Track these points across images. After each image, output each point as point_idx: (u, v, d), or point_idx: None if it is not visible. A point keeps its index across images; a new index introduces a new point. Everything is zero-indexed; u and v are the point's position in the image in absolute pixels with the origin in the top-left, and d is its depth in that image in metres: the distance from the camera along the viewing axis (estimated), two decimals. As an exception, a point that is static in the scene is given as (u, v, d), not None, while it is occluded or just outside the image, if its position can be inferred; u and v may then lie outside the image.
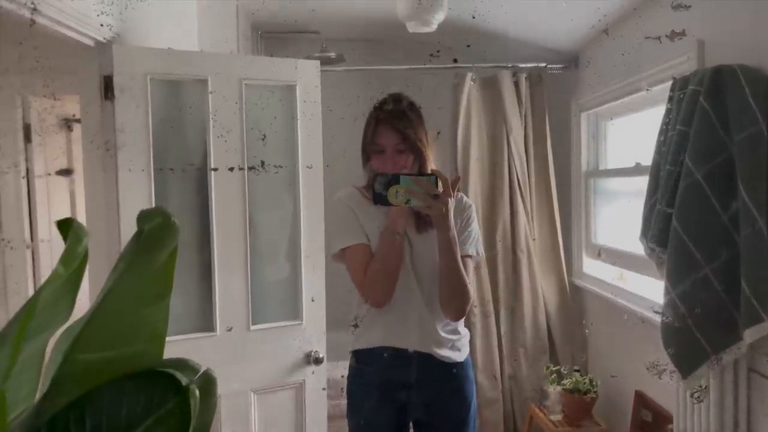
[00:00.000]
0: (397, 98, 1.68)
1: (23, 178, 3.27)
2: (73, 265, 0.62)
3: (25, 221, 3.22)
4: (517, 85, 3.08)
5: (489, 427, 2.96)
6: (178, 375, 0.71)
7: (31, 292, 2.93)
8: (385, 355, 1.71)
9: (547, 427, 2.58)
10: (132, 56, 1.98)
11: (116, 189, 1.96)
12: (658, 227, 1.78)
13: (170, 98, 2.11)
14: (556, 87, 3.16)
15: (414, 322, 1.66)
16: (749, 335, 1.52)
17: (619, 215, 2.88)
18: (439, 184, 1.47)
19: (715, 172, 1.60)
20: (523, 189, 3.07)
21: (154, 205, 2.00)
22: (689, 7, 1.79)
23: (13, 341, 0.59)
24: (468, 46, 3.18)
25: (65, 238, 0.63)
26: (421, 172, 1.59)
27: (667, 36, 1.81)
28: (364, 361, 1.79)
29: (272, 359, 2.23)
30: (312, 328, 2.26)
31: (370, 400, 1.77)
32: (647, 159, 2.29)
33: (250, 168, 2.13)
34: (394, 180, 1.49)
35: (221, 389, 2.19)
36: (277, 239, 2.30)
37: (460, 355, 1.70)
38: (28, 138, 3.32)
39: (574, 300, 3.11)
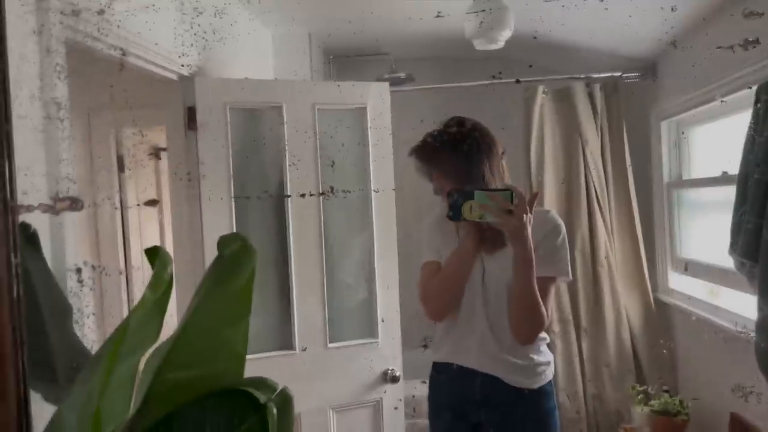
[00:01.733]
0: (450, 124, 1.67)
1: (116, 208, 3.50)
2: (159, 290, 0.67)
3: (120, 249, 3.44)
4: (591, 95, 3.01)
5: (572, 448, 2.87)
6: (257, 393, 0.75)
7: (125, 316, 3.12)
8: (455, 371, 1.70)
9: (636, 449, 2.47)
10: (212, 87, 2.09)
11: (200, 216, 2.07)
12: (747, 240, 1.68)
13: (248, 126, 2.21)
14: (632, 96, 3.06)
15: (476, 343, 1.64)
16: None
17: (705, 227, 2.74)
18: (515, 199, 1.44)
19: (809, 179, 1.50)
20: (601, 202, 2.98)
21: (234, 230, 2.09)
22: (762, 14, 1.70)
23: (107, 362, 0.64)
24: (530, 66, 3.15)
25: (153, 265, 0.67)
26: (497, 187, 1.56)
27: (740, 45, 1.72)
28: (437, 375, 1.78)
29: (349, 377, 2.27)
30: (387, 347, 2.29)
31: (444, 416, 1.76)
32: (734, 168, 2.18)
33: (321, 193, 2.19)
34: (469, 195, 1.47)
35: (300, 406, 2.25)
36: (352, 261, 2.35)
37: (532, 382, 1.63)
38: (121, 169, 3.56)
39: (660, 317, 2.96)
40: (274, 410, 0.73)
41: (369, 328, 2.32)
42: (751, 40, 1.70)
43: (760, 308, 1.62)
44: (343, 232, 2.29)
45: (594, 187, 2.97)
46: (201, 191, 2.06)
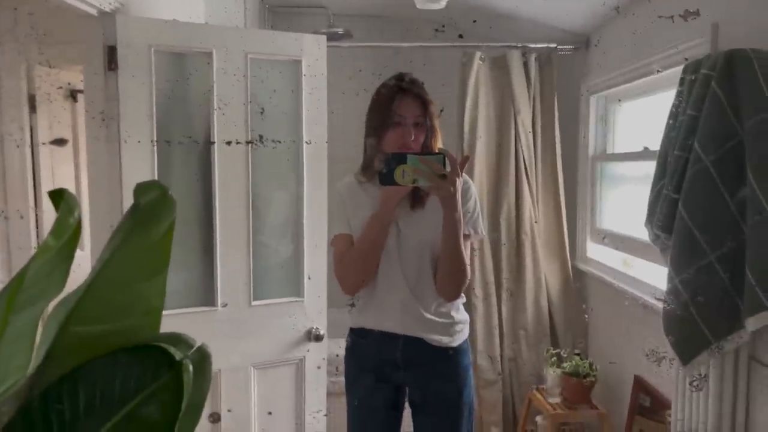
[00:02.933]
0: (410, 76, 1.67)
1: (18, 147, 3.26)
2: (64, 237, 0.61)
3: (29, 191, 3.22)
4: (526, 65, 3.03)
5: (488, 407, 2.97)
6: (172, 350, 0.71)
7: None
8: (377, 336, 1.72)
9: (546, 409, 2.59)
10: (136, 27, 1.96)
11: (119, 161, 1.95)
12: (664, 213, 1.76)
13: (174, 71, 2.09)
14: (565, 68, 3.11)
15: (398, 307, 1.66)
16: (752, 323, 1.50)
17: (625, 200, 2.86)
18: (447, 163, 1.44)
19: (725, 158, 1.58)
20: (529, 171, 3.04)
21: (156, 178, 1.99)
22: (698, 14, 1.75)
23: (0, 313, 0.58)
24: (474, 21, 3.13)
25: (57, 209, 0.62)
26: (429, 151, 1.55)
27: (680, 15, 1.76)
28: (358, 341, 1.80)
29: (273, 335, 2.24)
30: (312, 306, 2.27)
31: (364, 380, 1.79)
32: (655, 144, 2.27)
33: (248, 142, 2.12)
34: (401, 159, 1.46)
35: (221, 364, 2.21)
36: (279, 216, 2.30)
37: (452, 340, 1.68)
38: (32, 109, 3.31)
39: (577, 284, 3.09)
40: (190, 367, 0.69)
41: (295, 286, 2.29)
42: (691, 11, 1.75)
43: (670, 278, 1.71)
44: (271, 184, 2.22)
45: (523, 156, 3.03)
46: (120, 134, 1.94)
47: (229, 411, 2.19)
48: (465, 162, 1.50)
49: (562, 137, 3.06)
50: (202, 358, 0.77)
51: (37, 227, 3.25)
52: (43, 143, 3.13)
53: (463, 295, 1.71)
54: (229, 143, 2.10)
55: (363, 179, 1.72)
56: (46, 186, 3.33)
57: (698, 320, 1.62)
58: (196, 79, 2.10)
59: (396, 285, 1.66)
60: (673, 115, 1.83)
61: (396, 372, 1.71)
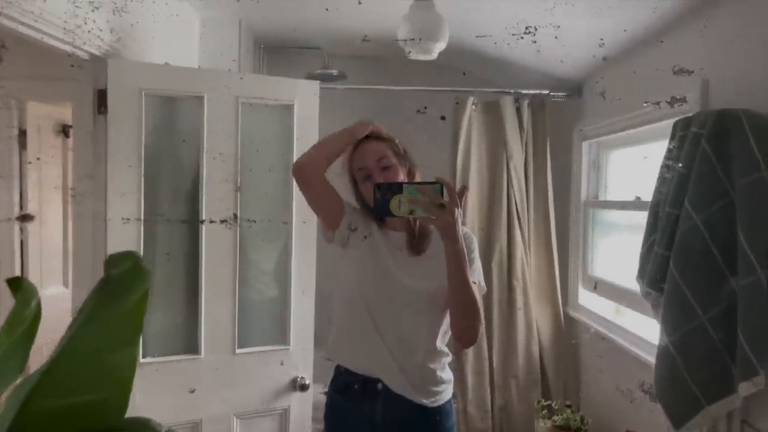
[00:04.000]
0: (365, 124, 1.64)
1: (17, 179, 3.23)
2: (18, 330, 0.58)
3: (16, 237, 3.20)
4: (519, 111, 3.05)
5: (477, 458, 2.90)
6: (136, 439, 0.67)
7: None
8: (357, 389, 1.64)
9: (536, 462, 2.53)
10: (127, 71, 1.95)
11: (104, 204, 1.93)
12: (655, 270, 1.74)
13: (165, 114, 2.08)
14: (558, 115, 3.13)
15: (383, 355, 1.59)
16: (744, 388, 1.47)
17: (617, 248, 2.84)
18: (445, 193, 1.36)
19: (715, 217, 1.56)
20: (521, 216, 3.03)
21: (142, 215, 1.96)
22: (691, 72, 1.76)
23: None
24: (464, 74, 3.17)
25: (14, 297, 0.59)
26: (426, 180, 1.44)
27: (667, 102, 1.77)
28: (336, 398, 1.71)
29: (257, 384, 2.19)
30: (298, 354, 2.22)
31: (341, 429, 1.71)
32: (647, 194, 2.26)
33: (237, 189, 2.10)
34: (397, 189, 1.39)
35: (203, 413, 2.14)
36: (268, 263, 2.26)
37: (435, 401, 1.60)
38: (23, 146, 3.29)
39: (569, 332, 3.05)
40: (154, 459, 0.65)
41: (281, 334, 2.24)
42: (678, 97, 1.75)
43: (662, 339, 1.68)
44: (260, 233, 2.20)
45: (515, 201, 3.02)
46: (108, 175, 1.92)
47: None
48: (463, 191, 1.41)
49: (554, 183, 3.06)
50: (169, 443, 0.73)
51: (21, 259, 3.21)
52: (9, 219, 3.13)
53: (449, 352, 1.65)
54: (216, 222, 2.09)
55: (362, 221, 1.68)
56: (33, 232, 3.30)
57: (690, 383, 1.58)
58: (186, 123, 2.09)
59: (383, 332, 1.59)
60: (664, 169, 1.82)
61: (372, 428, 1.63)
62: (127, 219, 1.96)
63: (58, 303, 3.32)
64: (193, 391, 2.06)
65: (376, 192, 1.42)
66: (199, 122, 2.04)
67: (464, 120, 3.01)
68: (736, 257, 1.52)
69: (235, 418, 2.16)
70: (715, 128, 1.57)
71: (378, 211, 1.43)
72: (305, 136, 2.21)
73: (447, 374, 1.65)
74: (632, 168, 2.73)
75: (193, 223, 2.08)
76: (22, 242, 3.27)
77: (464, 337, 1.54)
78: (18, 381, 0.71)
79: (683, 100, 1.74)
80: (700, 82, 1.87)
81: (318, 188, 1.63)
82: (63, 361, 0.75)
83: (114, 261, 0.78)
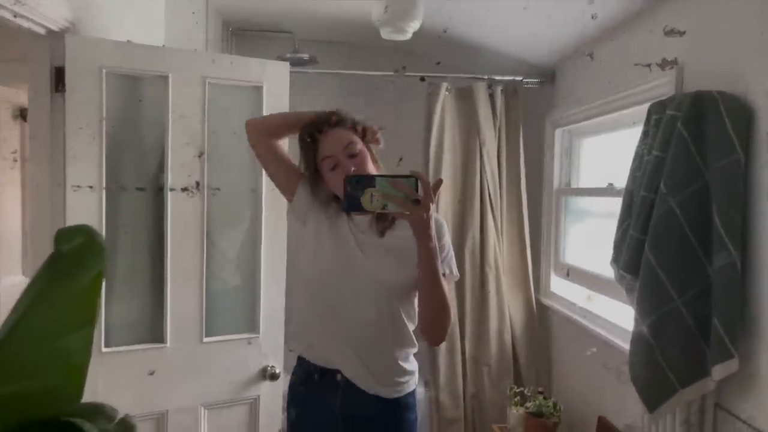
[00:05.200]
0: (324, 113, 1.58)
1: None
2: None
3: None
4: (492, 97, 3.02)
5: (449, 446, 2.89)
6: (88, 426, 0.62)
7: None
8: (317, 380, 1.59)
9: (508, 449, 2.52)
10: (87, 47, 1.86)
11: (62, 179, 1.83)
12: (630, 254, 1.73)
13: (127, 94, 2.00)
14: (531, 101, 3.11)
15: (343, 346, 1.54)
16: (718, 372, 1.47)
17: (589, 235, 2.84)
18: (420, 187, 1.30)
19: (691, 200, 1.55)
20: (494, 203, 3.01)
21: (103, 199, 1.88)
22: (683, 33, 1.74)
23: None
24: (438, 63, 3.14)
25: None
26: (400, 174, 1.37)
27: (657, 64, 1.75)
28: (297, 389, 1.67)
29: (225, 373, 2.12)
30: (268, 343, 2.17)
31: (303, 420, 1.66)
32: (620, 180, 2.26)
33: (202, 187, 2.02)
34: (369, 183, 1.32)
35: (169, 404, 2.08)
36: (236, 249, 2.20)
37: (398, 392, 1.56)
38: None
39: (541, 319, 3.05)
40: (108, 448, 0.60)
41: (250, 322, 2.18)
42: (669, 59, 1.73)
43: (636, 323, 1.67)
44: (228, 214, 2.13)
45: (488, 187, 3.00)
46: (66, 159, 1.83)
47: (175, 456, 2.05)
48: (438, 185, 1.35)
49: (527, 170, 3.05)
50: (126, 430, 0.68)
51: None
52: None
53: (415, 343, 1.60)
54: (184, 190, 2.00)
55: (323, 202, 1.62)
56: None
57: (664, 366, 1.58)
58: (150, 104, 2.00)
59: (342, 320, 1.54)
60: (639, 154, 1.81)
61: (335, 422, 1.58)
62: (78, 186, 1.87)
63: (17, 292, 3.21)
64: (152, 373, 1.99)
65: (347, 185, 1.34)
66: (164, 103, 1.97)
67: (437, 106, 2.98)
68: (711, 240, 1.52)
69: (203, 408, 2.10)
70: (691, 110, 1.56)
71: (348, 206, 1.35)
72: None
73: (411, 365, 1.60)
74: (605, 155, 2.74)
75: (156, 193, 2.00)
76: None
77: (432, 335, 1.50)
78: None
79: (674, 62, 1.72)
80: (674, 65, 1.87)
81: (262, 149, 1.67)
82: (8, 344, 0.69)
83: (65, 235, 0.72)
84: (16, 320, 0.70)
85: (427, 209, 1.30)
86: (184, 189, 2.02)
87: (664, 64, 1.71)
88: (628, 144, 2.05)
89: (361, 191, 1.32)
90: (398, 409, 1.56)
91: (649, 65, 1.75)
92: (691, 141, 1.55)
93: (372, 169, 1.54)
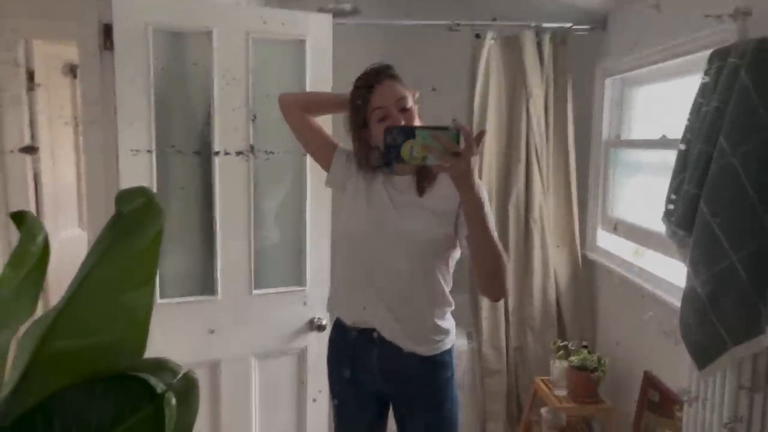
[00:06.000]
0: (381, 64, 1.57)
1: (27, 126, 3.19)
2: (25, 265, 0.54)
3: (30, 182, 3.18)
4: (540, 46, 2.92)
5: (492, 397, 2.93)
6: (153, 381, 0.65)
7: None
8: (354, 337, 1.63)
9: (551, 401, 2.54)
10: (133, 3, 1.87)
11: (115, 139, 1.88)
12: (684, 209, 1.68)
13: (173, 51, 2.01)
14: (581, 50, 2.99)
15: (378, 306, 1.56)
16: (774, 330, 1.44)
17: (639, 189, 2.77)
18: (461, 139, 1.25)
19: (752, 153, 1.48)
20: (540, 157, 2.94)
21: (154, 158, 1.92)
22: None
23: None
24: (494, 19, 3.02)
25: (20, 232, 0.55)
26: (441, 125, 1.32)
27: (730, 15, 1.64)
28: (337, 343, 1.72)
29: (274, 325, 2.19)
30: (315, 295, 2.21)
31: (343, 382, 1.71)
32: (673, 132, 2.17)
33: (252, 118, 2.03)
34: (409, 134, 1.29)
35: (222, 353, 2.16)
36: (282, 204, 2.22)
37: (433, 350, 1.57)
38: (31, 86, 3.23)
39: (587, 274, 3.02)
40: (173, 400, 0.63)
41: (297, 275, 2.23)
42: (743, 10, 1.63)
43: (689, 279, 1.64)
44: (274, 170, 2.15)
45: (534, 141, 2.93)
46: (118, 116, 1.87)
47: (233, 410, 2.15)
48: (481, 137, 1.29)
49: (575, 121, 2.96)
50: (189, 384, 0.71)
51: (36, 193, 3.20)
52: (11, 151, 3.14)
53: (452, 300, 1.61)
54: (229, 154, 2.03)
55: (360, 168, 1.64)
56: (48, 164, 3.28)
57: (717, 324, 1.55)
58: (195, 60, 2.01)
59: (378, 280, 1.55)
60: (697, 105, 1.73)
61: (373, 379, 1.63)
62: (137, 150, 1.92)
63: (75, 245, 3.34)
64: (209, 330, 2.07)
65: (387, 136, 1.31)
66: (209, 60, 1.97)
67: (483, 55, 2.89)
68: (771, 195, 1.46)
69: (253, 357, 2.18)
70: (756, 58, 1.48)
71: (388, 158, 1.32)
72: (319, 73, 2.13)
73: (448, 323, 1.61)
74: (658, 105, 2.63)
75: (205, 155, 2.03)
76: (36, 187, 3.25)
77: (492, 289, 1.44)
78: (32, 320, 0.68)
79: (748, 13, 1.62)
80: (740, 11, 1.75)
81: (295, 122, 1.72)
82: (76, 301, 0.72)
83: (125, 197, 0.74)
84: (81, 279, 0.73)
85: (468, 162, 1.25)
86: (233, 152, 2.04)
87: (736, 15, 1.60)
88: (684, 94, 1.96)
89: (402, 143, 1.29)
90: (434, 366, 1.59)
91: (720, 16, 1.65)
92: (754, 91, 1.47)
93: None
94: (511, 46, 2.94)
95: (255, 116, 2.06)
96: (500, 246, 1.37)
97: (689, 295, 1.62)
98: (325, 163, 1.70)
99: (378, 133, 1.51)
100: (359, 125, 1.57)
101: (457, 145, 1.25)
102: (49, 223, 3.28)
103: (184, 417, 0.68)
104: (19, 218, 0.55)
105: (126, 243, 0.75)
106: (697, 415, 1.75)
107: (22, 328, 0.68)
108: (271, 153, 2.11)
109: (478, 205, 1.31)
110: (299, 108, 1.70)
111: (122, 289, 0.77)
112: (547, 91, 2.94)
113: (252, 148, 2.06)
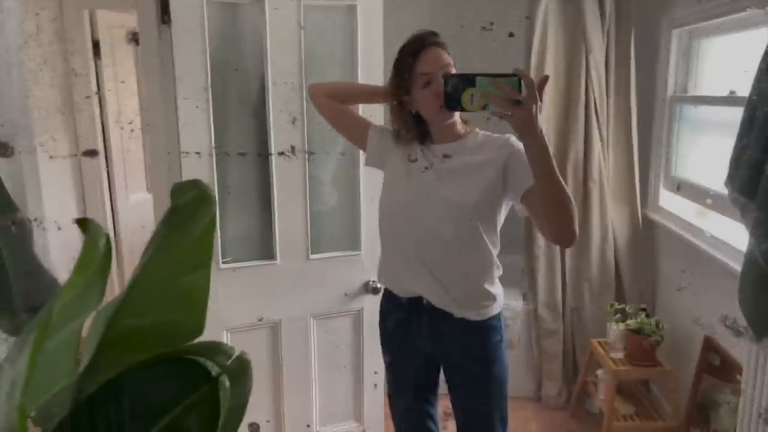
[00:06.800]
0: (428, 32, 1.56)
1: (95, 94, 3.34)
2: (89, 269, 0.60)
3: (98, 130, 3.34)
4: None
5: (548, 358, 2.95)
6: (209, 364, 0.70)
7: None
8: (403, 303, 1.68)
9: (607, 364, 2.53)
10: (187, -23, 1.90)
11: (175, 110, 1.95)
12: (747, 175, 1.60)
13: (227, 23, 2.04)
14: (644, 0, 2.84)
15: (425, 275, 1.59)
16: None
17: (705, 147, 2.65)
18: (523, 86, 1.23)
19: (823, 117, 1.40)
20: (599, 113, 2.85)
21: (212, 126, 1.99)
22: None
23: (31, 348, 0.58)
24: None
25: (84, 237, 0.60)
26: (502, 72, 1.28)
27: None
28: (387, 305, 1.77)
29: (331, 288, 2.26)
30: (369, 259, 2.26)
31: (394, 343, 1.78)
32: (743, 89, 2.06)
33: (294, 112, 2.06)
34: (470, 82, 1.27)
35: (282, 314, 2.25)
36: (336, 171, 2.27)
37: (481, 315, 1.60)
38: (97, 54, 3.36)
39: (647, 235, 2.94)
40: (227, 382, 0.69)
41: (352, 240, 2.29)
42: None
43: (750, 246, 1.58)
44: (327, 141, 2.18)
45: (594, 97, 2.83)
46: (176, 91, 1.94)
47: (294, 368, 2.26)
48: (544, 83, 1.25)
49: (637, 76, 2.84)
50: (242, 366, 0.76)
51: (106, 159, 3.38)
52: (74, 155, 3.32)
53: (500, 264, 1.62)
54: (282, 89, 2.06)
55: (397, 142, 1.65)
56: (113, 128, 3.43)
57: (778, 294, 1.50)
58: (249, 31, 2.05)
59: (423, 249, 1.58)
60: (765, 63, 1.63)
61: (423, 342, 1.67)
62: (195, 108, 1.99)
63: (143, 207, 3.51)
64: (272, 295, 2.16)
65: (446, 84, 1.30)
66: (262, 27, 2.00)
67: (540, 10, 2.80)
68: (843, 162, 1.38)
69: (312, 318, 2.27)
70: (832, 14, 1.38)
71: (448, 105, 1.31)
72: (370, 40, 2.13)
73: (496, 288, 1.63)
74: (728, 59, 2.48)
75: (261, 120, 2.09)
76: (106, 155, 3.42)
77: (563, 235, 1.39)
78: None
79: None
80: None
81: (326, 111, 1.77)
82: (139, 286, 0.79)
83: (180, 190, 0.79)
84: (143, 265, 0.79)
85: (531, 110, 1.23)
86: (289, 119, 2.08)
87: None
88: (757, 47, 1.85)
89: (462, 91, 1.29)
90: (483, 331, 1.62)
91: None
92: (828, 50, 1.38)
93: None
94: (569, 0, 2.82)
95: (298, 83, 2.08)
96: (567, 188, 1.35)
97: (749, 263, 1.57)
98: (361, 143, 1.75)
99: (423, 98, 1.52)
100: (402, 92, 1.57)
101: (518, 92, 1.23)
102: (119, 187, 3.45)
103: (238, 396, 0.74)
104: (82, 224, 0.61)
105: (181, 233, 0.81)
106: (756, 381, 1.72)
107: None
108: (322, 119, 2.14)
109: (543, 151, 1.29)
110: (330, 98, 1.74)
111: (180, 273, 0.83)
112: (608, 46, 2.83)
113: (298, 111, 2.09)
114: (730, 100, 2.26)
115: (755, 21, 2.15)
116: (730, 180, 1.74)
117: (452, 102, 1.30)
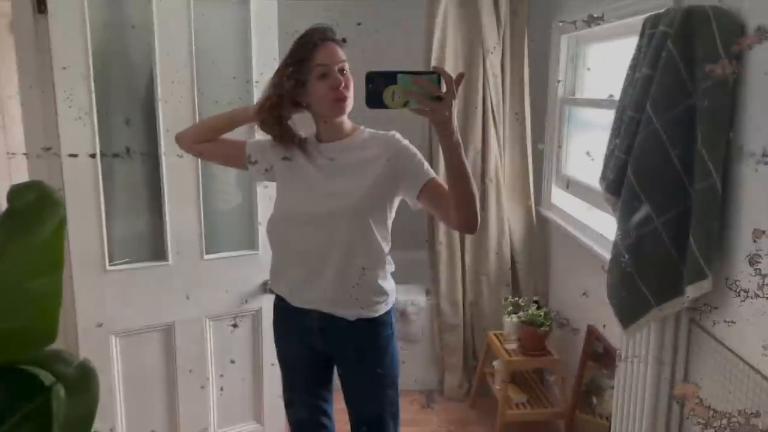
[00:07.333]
0: (326, 26, 1.58)
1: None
2: None
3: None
4: (496, 2, 2.90)
5: (449, 351, 3.04)
6: (42, 374, 0.68)
7: None
8: (292, 305, 1.70)
9: (502, 354, 2.64)
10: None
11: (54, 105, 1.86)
12: (614, 174, 1.72)
13: (113, 14, 1.97)
14: (538, 7, 2.98)
15: (311, 282, 1.61)
16: (691, 291, 1.50)
17: (590, 147, 2.80)
18: (443, 83, 1.27)
19: (675, 121, 1.52)
20: (496, 114, 2.96)
21: (95, 119, 1.91)
22: None
23: None
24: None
25: None
26: (422, 70, 1.34)
27: None
28: (279, 305, 1.77)
29: (227, 288, 2.23)
30: (267, 258, 2.23)
31: (286, 340, 1.79)
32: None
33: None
34: (391, 79, 1.29)
35: (175, 316, 2.19)
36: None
37: (373, 312, 1.63)
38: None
39: (541, 231, 3.09)
40: (62, 392, 0.66)
41: (248, 239, 2.26)
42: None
43: (615, 243, 1.70)
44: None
45: (491, 98, 2.94)
46: (54, 78, 1.85)
47: (190, 371, 2.21)
48: (461, 79, 1.30)
49: (532, 78, 2.97)
50: (85, 374, 0.74)
51: None
52: None
53: (392, 261, 1.66)
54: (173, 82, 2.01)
55: (276, 144, 1.65)
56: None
57: (640, 284, 1.62)
58: (135, 20, 1.98)
59: (316, 259, 1.59)
60: (631, 70, 1.75)
61: (315, 339, 1.69)
62: (78, 118, 1.90)
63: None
64: (164, 296, 2.10)
65: (368, 81, 1.31)
66: (149, 18, 1.94)
67: (439, 12, 2.87)
68: (693, 162, 1.50)
69: (207, 320, 2.23)
70: (682, 27, 1.49)
71: (370, 102, 1.33)
72: (264, 35, 2.11)
73: (388, 284, 1.66)
74: (609, 64, 2.64)
75: (147, 117, 2.03)
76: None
77: (469, 223, 1.47)
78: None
79: None
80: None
81: (196, 153, 1.77)
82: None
83: (16, 193, 0.76)
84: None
85: (450, 107, 1.28)
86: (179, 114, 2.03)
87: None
88: (628, 56, 1.97)
89: (383, 88, 1.30)
90: (376, 326, 1.65)
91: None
92: (680, 60, 1.50)
93: (351, 93, 1.55)
94: (467, 3, 2.90)
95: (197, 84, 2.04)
96: (474, 182, 1.42)
97: (615, 258, 1.69)
98: (241, 165, 1.72)
99: (317, 89, 1.53)
100: (296, 84, 1.55)
101: (438, 89, 1.27)
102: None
103: (80, 406, 0.72)
104: None
105: (23, 237, 0.77)
106: (626, 368, 1.85)
107: None
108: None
109: (458, 145, 1.35)
110: (198, 143, 1.71)
111: (28, 278, 0.80)
112: (503, 48, 2.94)
113: (196, 112, 2.05)
114: (609, 103, 2.40)
115: (628, 30, 2.30)
116: (603, 179, 1.86)
117: (374, 99, 1.31)
